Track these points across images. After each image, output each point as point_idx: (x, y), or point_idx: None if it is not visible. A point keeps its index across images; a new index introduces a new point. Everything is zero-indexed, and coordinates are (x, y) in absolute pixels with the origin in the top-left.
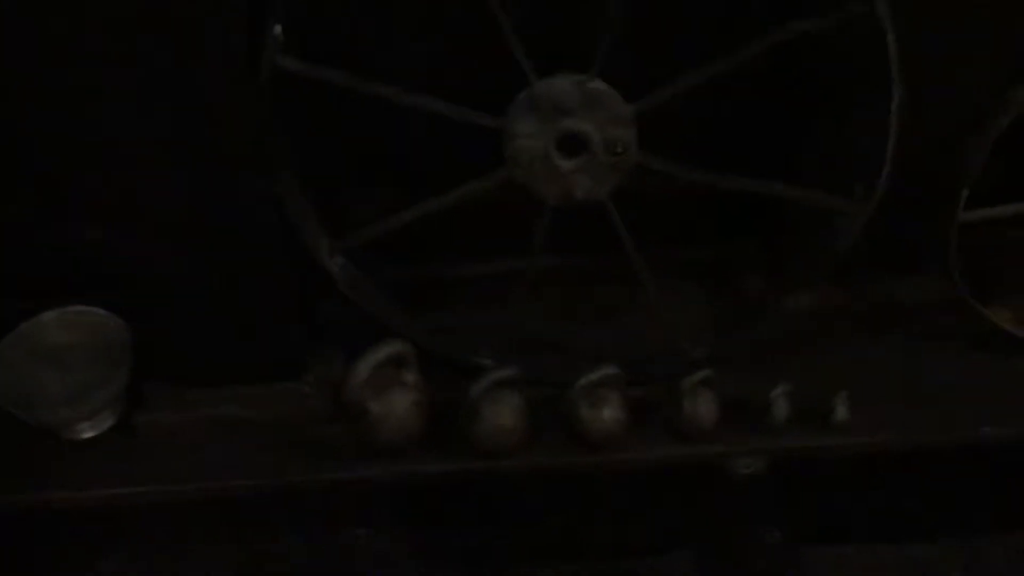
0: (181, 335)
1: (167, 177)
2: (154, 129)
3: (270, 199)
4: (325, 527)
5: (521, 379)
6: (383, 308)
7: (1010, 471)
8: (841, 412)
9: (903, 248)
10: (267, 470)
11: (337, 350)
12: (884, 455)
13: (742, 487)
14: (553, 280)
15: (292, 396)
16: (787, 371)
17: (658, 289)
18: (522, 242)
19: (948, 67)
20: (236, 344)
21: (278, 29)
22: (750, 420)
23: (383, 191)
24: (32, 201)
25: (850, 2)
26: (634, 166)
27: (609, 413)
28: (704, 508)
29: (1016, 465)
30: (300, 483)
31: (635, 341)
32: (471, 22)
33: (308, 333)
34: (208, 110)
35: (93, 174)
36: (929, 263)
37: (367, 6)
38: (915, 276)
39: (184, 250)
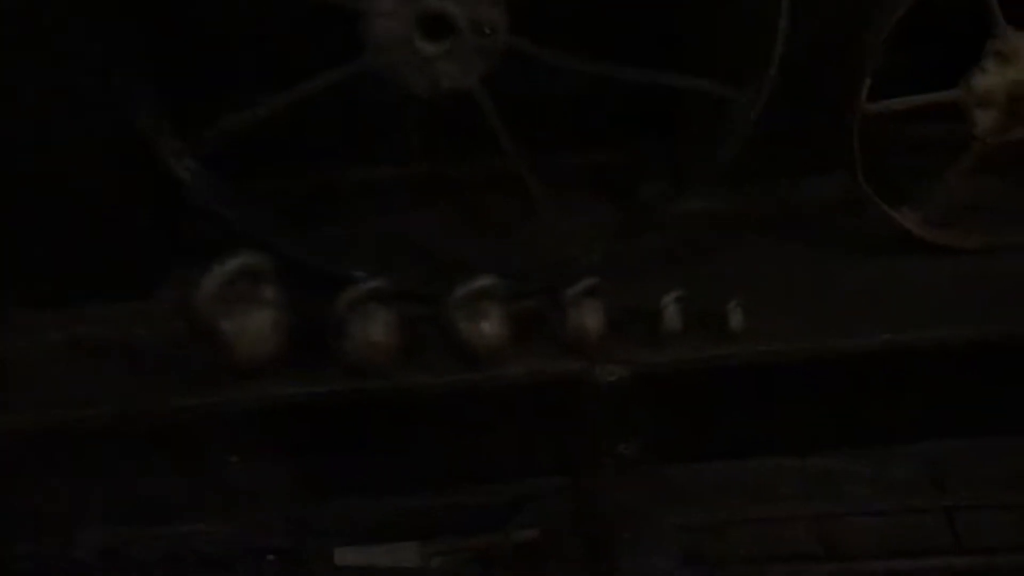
0: (26, 252)
1: (2, 79)
2: None
3: (117, 102)
4: (195, 456)
5: (392, 292)
6: (242, 216)
7: (913, 379)
8: (736, 320)
9: (805, 145)
10: (124, 396)
11: (201, 267)
12: (782, 364)
13: (609, 398)
14: (440, 188)
15: (150, 316)
16: (683, 279)
17: (546, 194)
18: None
19: None
20: (87, 261)
21: None
22: (642, 331)
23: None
24: None
25: None
26: (504, 50)
27: (489, 326)
28: (585, 424)
29: (919, 373)
30: (158, 409)
31: (524, 251)
32: None
33: (169, 249)
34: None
35: None
36: (833, 162)
37: None
38: (818, 176)
39: (24, 158)
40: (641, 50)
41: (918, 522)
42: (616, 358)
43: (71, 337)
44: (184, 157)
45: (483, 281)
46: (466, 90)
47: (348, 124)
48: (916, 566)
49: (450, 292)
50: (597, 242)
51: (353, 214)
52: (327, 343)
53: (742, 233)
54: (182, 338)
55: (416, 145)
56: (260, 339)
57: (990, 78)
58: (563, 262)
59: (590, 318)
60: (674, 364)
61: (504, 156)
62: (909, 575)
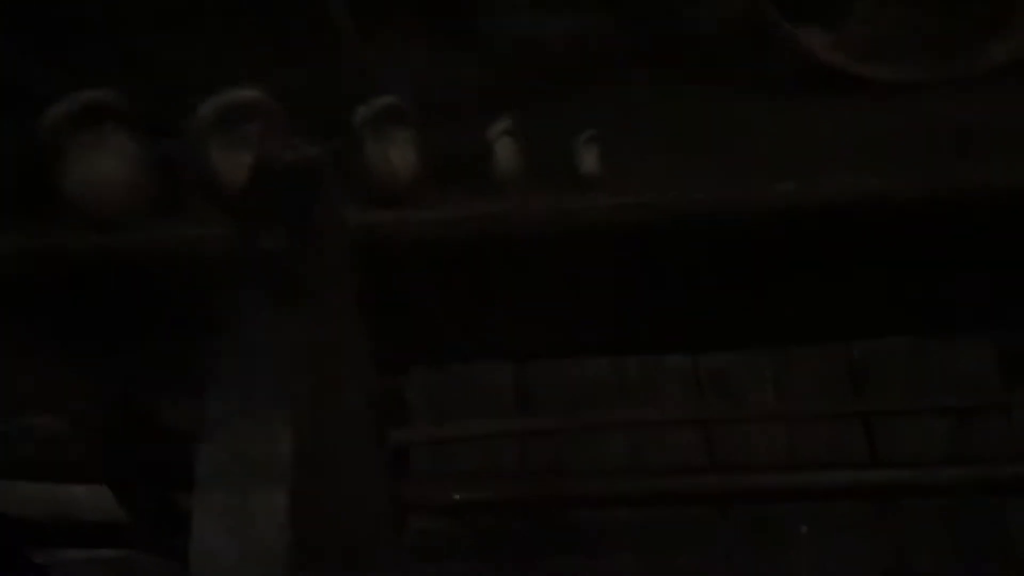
0: None
1: None
2: None
3: None
4: None
5: (129, 110)
6: None
7: (825, 251)
8: (588, 162)
9: None
10: None
11: None
12: (653, 223)
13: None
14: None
15: None
16: (529, 116)
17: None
18: None
19: None
20: None
21: None
22: (467, 175)
23: None
24: None
25: None
26: None
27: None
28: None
29: (832, 242)
30: None
31: (318, 80)
32: None
33: None
34: None
35: None
36: None
37: None
38: None
39: None
40: None
41: (828, 431)
42: (457, 215)
43: None
44: None
45: (243, 94)
46: None
47: None
48: (819, 480)
49: (196, 110)
50: (411, 69)
51: (99, 29)
52: (47, 177)
53: (610, 63)
54: None
55: None
56: None
57: None
58: (365, 92)
59: (396, 154)
60: (507, 216)
61: None
62: (810, 492)
